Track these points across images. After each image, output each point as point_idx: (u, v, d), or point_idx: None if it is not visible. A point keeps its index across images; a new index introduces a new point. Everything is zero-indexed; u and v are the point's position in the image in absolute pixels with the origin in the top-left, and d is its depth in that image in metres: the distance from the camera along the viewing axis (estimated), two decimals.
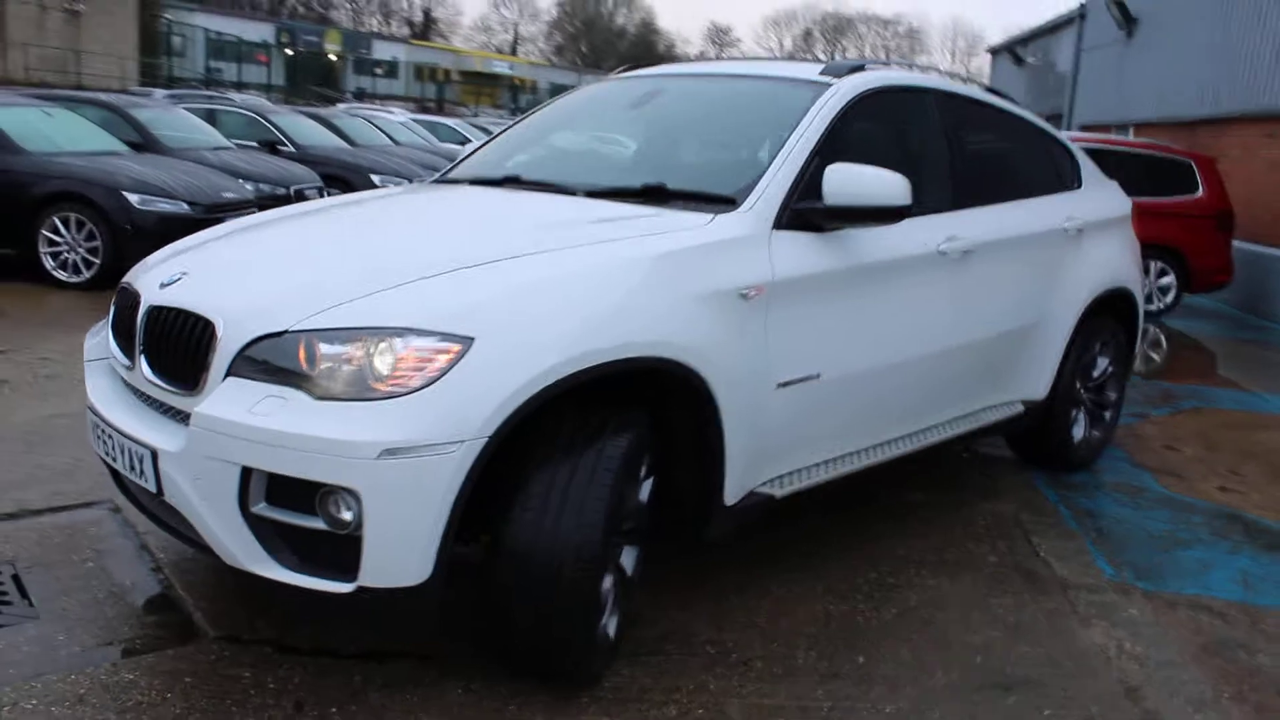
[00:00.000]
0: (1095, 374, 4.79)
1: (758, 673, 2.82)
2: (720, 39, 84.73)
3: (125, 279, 3.08)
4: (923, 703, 2.72)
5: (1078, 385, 4.64)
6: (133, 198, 7.52)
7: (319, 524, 2.36)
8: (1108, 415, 4.94)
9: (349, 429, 2.29)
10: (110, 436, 2.72)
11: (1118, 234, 4.82)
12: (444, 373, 2.34)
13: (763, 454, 3.10)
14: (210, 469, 2.42)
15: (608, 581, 2.67)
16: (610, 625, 2.74)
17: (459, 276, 2.56)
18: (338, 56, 52.91)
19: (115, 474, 2.85)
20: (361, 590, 2.35)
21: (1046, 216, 4.29)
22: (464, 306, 2.45)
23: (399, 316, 2.40)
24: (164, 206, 7.56)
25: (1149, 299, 10.29)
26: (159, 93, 23.40)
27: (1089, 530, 4.05)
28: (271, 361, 2.42)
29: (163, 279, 2.80)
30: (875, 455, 3.53)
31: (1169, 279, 10.20)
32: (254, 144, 12.04)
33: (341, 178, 11.62)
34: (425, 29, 75.92)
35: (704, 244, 2.91)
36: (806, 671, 2.84)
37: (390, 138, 15.52)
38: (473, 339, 2.38)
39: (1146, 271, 10.19)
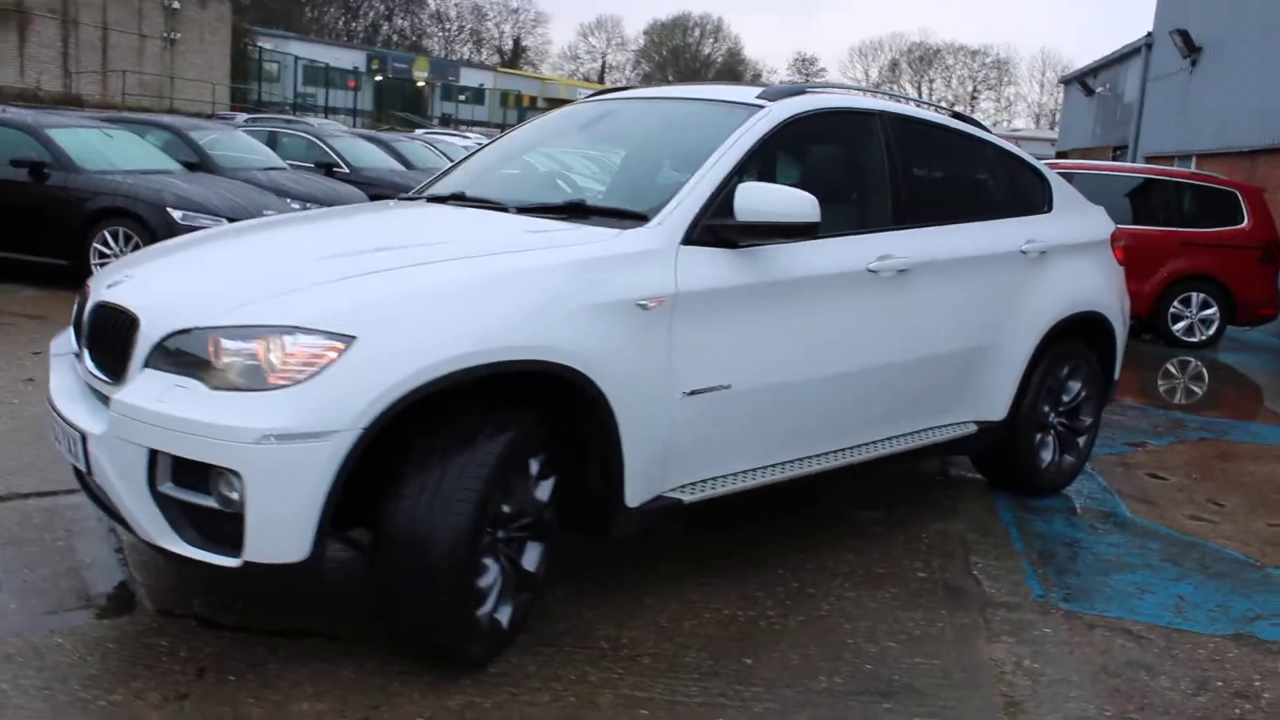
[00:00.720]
0: (1066, 398, 4.77)
1: (641, 668, 2.92)
2: (805, 69, 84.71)
3: (89, 280, 3.36)
4: (793, 703, 2.79)
5: (1044, 408, 4.63)
6: (176, 214, 7.99)
7: (213, 503, 2.57)
8: (1081, 441, 4.90)
9: (235, 416, 2.50)
10: (57, 423, 2.98)
11: (1091, 257, 4.80)
12: (325, 368, 2.53)
13: (671, 460, 3.22)
14: (125, 451, 2.65)
15: (492, 572, 2.83)
16: (502, 614, 2.88)
17: (356, 282, 2.76)
18: (425, 83, 54.52)
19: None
20: (248, 565, 2.55)
21: (1001, 239, 4.32)
22: (350, 308, 2.64)
23: (290, 316, 2.60)
24: (204, 221, 8.00)
25: (1189, 330, 10.06)
26: (240, 116, 24.54)
27: (1033, 552, 4.05)
28: (181, 354, 2.64)
29: (110, 280, 3.07)
30: (798, 469, 3.60)
31: (1211, 311, 9.95)
32: (310, 165, 12.58)
33: (389, 197, 12.03)
34: (514, 57, 77.81)
35: (603, 257, 3.06)
36: (689, 669, 2.93)
37: (449, 160, 16.02)
38: (355, 338, 2.57)
39: (1187, 303, 9.99)
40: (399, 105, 50.25)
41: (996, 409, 4.36)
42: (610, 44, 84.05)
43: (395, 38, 73.93)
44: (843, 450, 3.78)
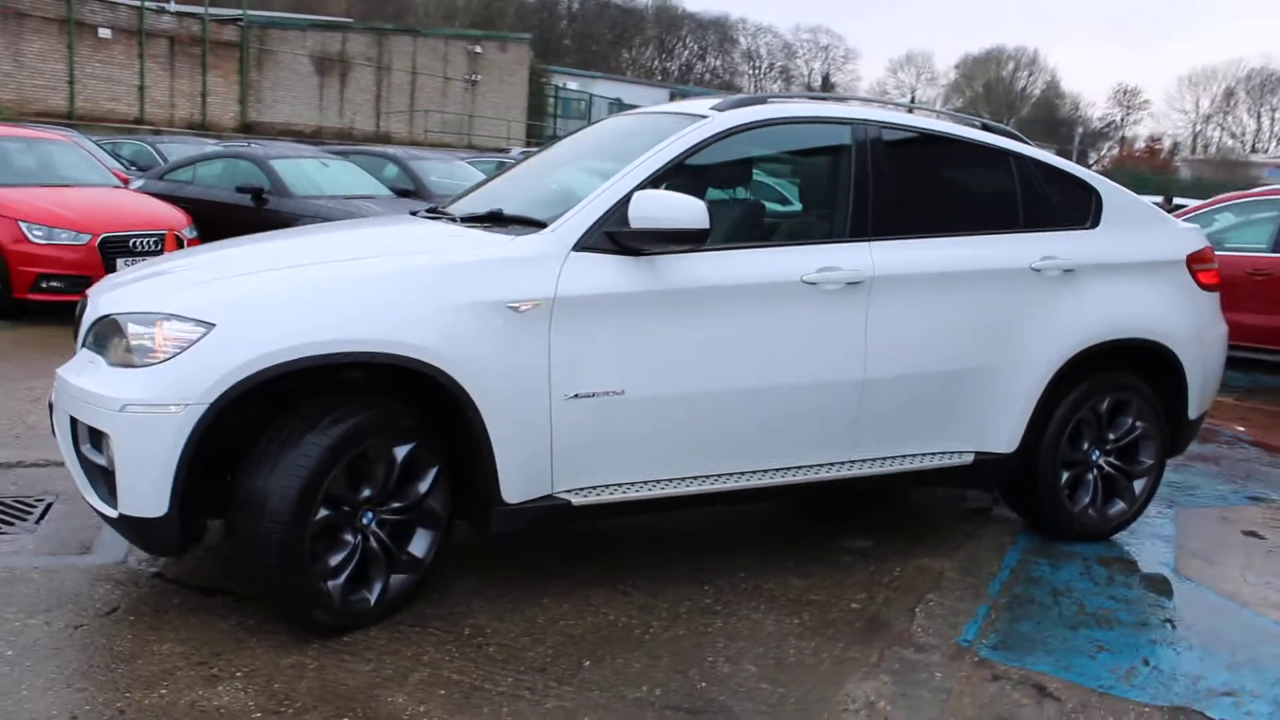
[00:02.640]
0: (1113, 435, 4.26)
1: (479, 656, 3.03)
2: (1128, 101, 78.07)
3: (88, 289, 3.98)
4: (588, 705, 2.78)
5: (1080, 444, 4.18)
6: None
7: (104, 461, 3.02)
8: (1138, 485, 4.35)
9: (111, 387, 2.93)
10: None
11: (1150, 278, 4.26)
12: (185, 350, 2.90)
13: (560, 461, 3.30)
14: (60, 416, 3.18)
15: (347, 549, 3.08)
16: (368, 591, 3.13)
17: (239, 280, 3.14)
18: None
19: None
20: (122, 517, 2.97)
21: (1005, 254, 3.96)
22: (219, 300, 3.00)
23: (170, 306, 3.00)
24: None
25: None
26: (516, 150, 26.64)
27: (1005, 596, 3.67)
28: (100, 336, 3.13)
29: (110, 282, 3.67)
30: (715, 484, 3.52)
31: None
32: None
33: None
34: (823, 95, 78.35)
35: (478, 260, 3.23)
36: (524, 662, 3.00)
37: None
38: (214, 324, 2.92)
39: None
40: None
41: (1000, 440, 4.00)
42: (920, 79, 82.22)
43: (708, 76, 77.10)
44: (776, 470, 3.65)
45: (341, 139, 28.91)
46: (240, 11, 30.11)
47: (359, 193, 10.05)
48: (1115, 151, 71.45)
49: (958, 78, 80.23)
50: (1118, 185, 4.46)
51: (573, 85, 48.69)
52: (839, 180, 3.79)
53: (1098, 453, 4.27)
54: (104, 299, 3.25)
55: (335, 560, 3.09)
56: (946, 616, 3.48)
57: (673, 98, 55.96)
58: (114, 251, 7.65)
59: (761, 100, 3.84)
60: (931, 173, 4.07)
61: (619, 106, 49.56)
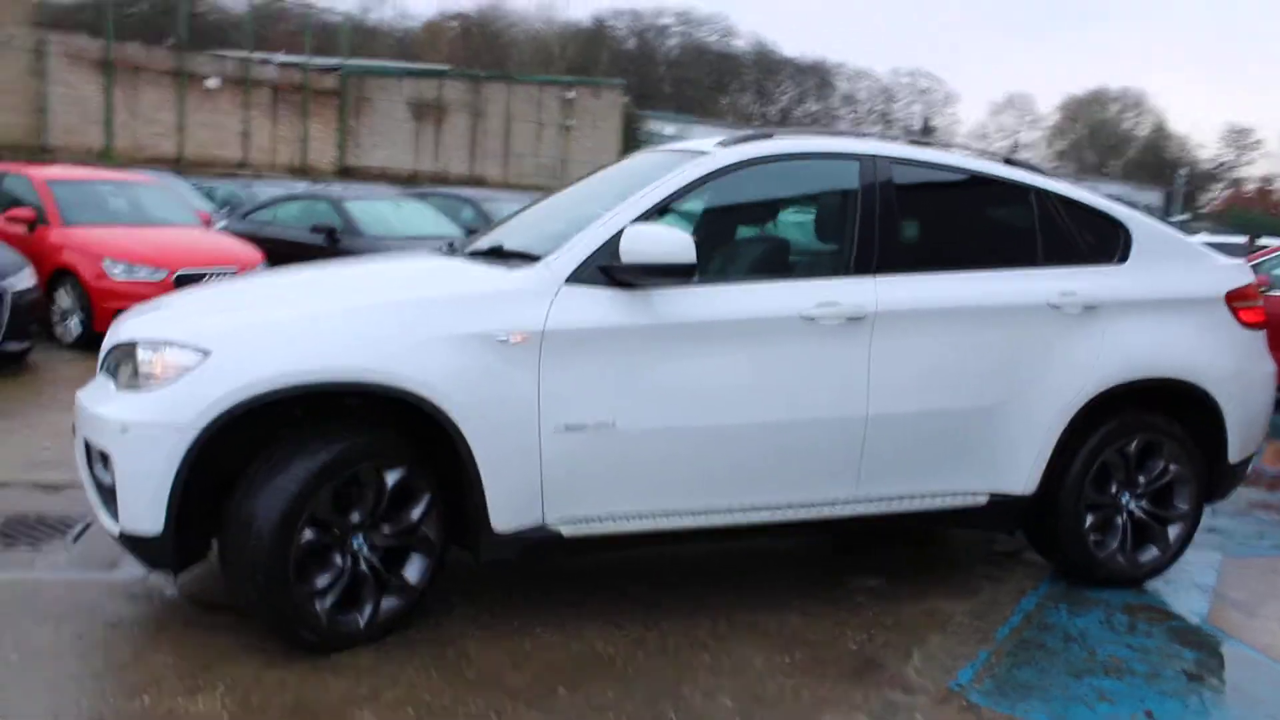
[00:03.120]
0: (1143, 479, 4.08)
1: (458, 679, 3.06)
2: (1240, 142, 75.06)
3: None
4: None
5: (1107, 488, 4.01)
6: None
7: (109, 480, 3.18)
8: (1173, 531, 4.15)
9: (114, 409, 3.10)
10: None
11: (1184, 316, 4.08)
12: (182, 375, 3.05)
13: (551, 491, 3.33)
14: (78, 439, 3.37)
15: (334, 571, 3.15)
16: (359, 614, 3.20)
17: (239, 312, 3.30)
18: None
19: None
20: (123, 534, 3.11)
21: (1021, 290, 3.85)
22: (217, 329, 3.15)
23: (173, 333, 3.16)
24: None
25: None
26: None
27: (1012, 641, 3.53)
28: (112, 361, 3.31)
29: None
30: (710, 519, 3.50)
31: None
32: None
33: None
34: (923, 137, 78.12)
35: (470, 293, 3.32)
36: (499, 688, 3.02)
37: None
38: (210, 352, 3.06)
39: None
40: None
41: (1017, 481, 3.87)
42: (1023, 121, 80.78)
43: (806, 120, 77.52)
44: (777, 507, 3.60)
45: (436, 182, 29.82)
46: (340, 61, 31.56)
47: (429, 232, 10.36)
48: (1226, 193, 68.54)
49: (1060, 120, 78.52)
50: (1153, 220, 4.31)
51: (669, 130, 49.35)
52: (845, 215, 3.76)
53: (1128, 496, 4.09)
54: (123, 326, 3.44)
55: (322, 582, 3.16)
56: (944, 660, 3.37)
57: None
58: (189, 286, 8.04)
59: (767, 136, 3.85)
60: (945, 207, 4.01)
61: None
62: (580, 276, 3.37)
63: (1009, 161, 4.20)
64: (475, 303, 3.30)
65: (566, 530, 3.38)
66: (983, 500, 3.85)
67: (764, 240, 4.07)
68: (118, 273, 7.84)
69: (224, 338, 3.11)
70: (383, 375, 3.11)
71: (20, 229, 8.22)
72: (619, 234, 3.38)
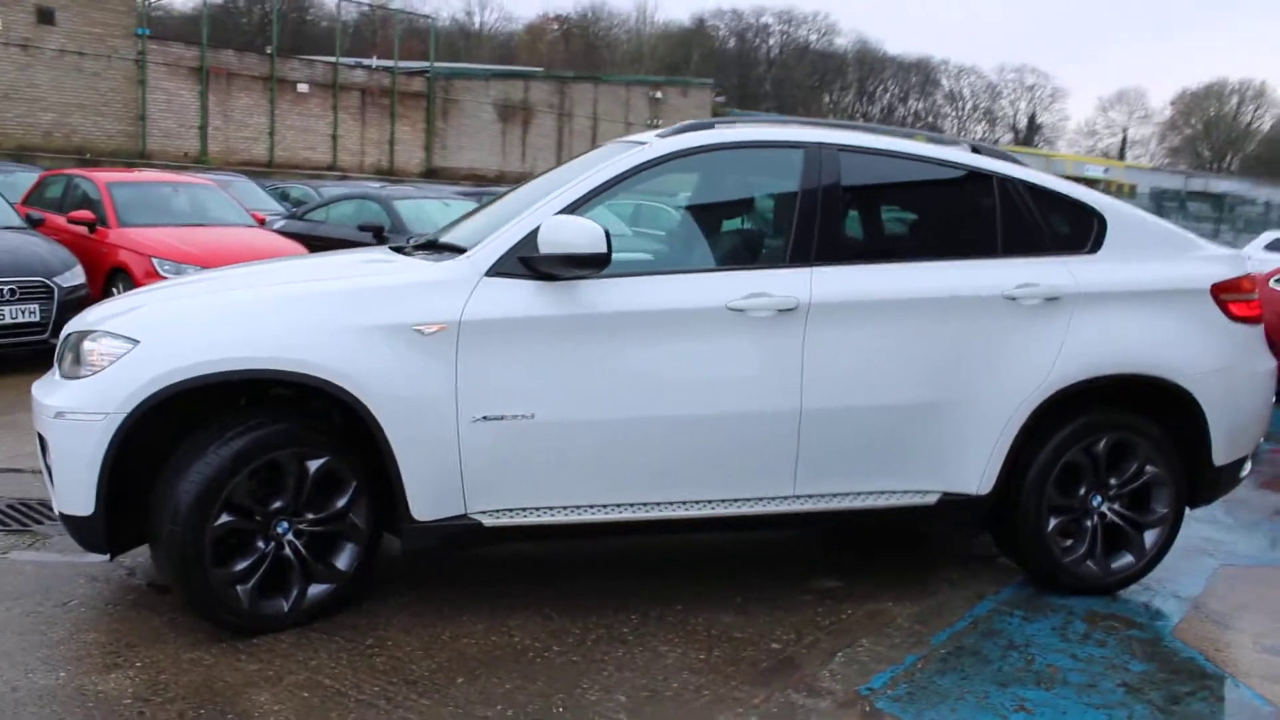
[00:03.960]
0: (1115, 480, 3.88)
1: (364, 665, 3.12)
2: None
3: None
4: (419, 713, 2.82)
5: (1072, 489, 3.83)
6: None
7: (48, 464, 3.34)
8: (1149, 536, 3.93)
9: (52, 397, 3.25)
10: None
11: (1162, 308, 3.86)
12: (112, 364, 3.19)
13: (471, 482, 3.36)
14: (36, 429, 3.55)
15: (254, 556, 3.25)
16: (283, 598, 3.30)
17: (169, 303, 3.42)
18: None
19: None
20: (61, 515, 3.27)
21: (973, 281, 3.70)
22: (147, 319, 3.28)
23: (109, 324, 3.31)
24: None
25: None
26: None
27: (949, 646, 3.40)
28: (61, 352, 3.48)
29: None
30: (638, 513, 3.47)
31: None
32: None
33: None
34: (1029, 134, 76.13)
35: (390, 285, 3.37)
36: (401, 675, 3.06)
37: None
38: (139, 341, 3.19)
39: None
40: None
41: (969, 480, 3.72)
42: (1132, 117, 77.54)
43: (909, 119, 76.32)
44: (710, 502, 3.55)
45: (523, 183, 30.23)
46: (428, 64, 32.35)
47: None
48: None
49: (1174, 114, 75.00)
50: (1134, 209, 4.10)
51: None
52: (784, 205, 3.69)
53: (1099, 499, 3.90)
54: (78, 319, 3.61)
55: (242, 565, 3.26)
56: (867, 663, 3.27)
57: None
58: None
59: (709, 126, 3.80)
60: (896, 196, 3.90)
61: None
62: (502, 269, 3.39)
63: (976, 150, 4.05)
64: (393, 294, 3.35)
65: (487, 521, 3.40)
66: (932, 499, 3.72)
67: (699, 231, 4.02)
68: (166, 271, 8.21)
69: (151, 328, 3.24)
70: (296, 364, 3.19)
71: (82, 230, 8.68)
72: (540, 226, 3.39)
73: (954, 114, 79.60)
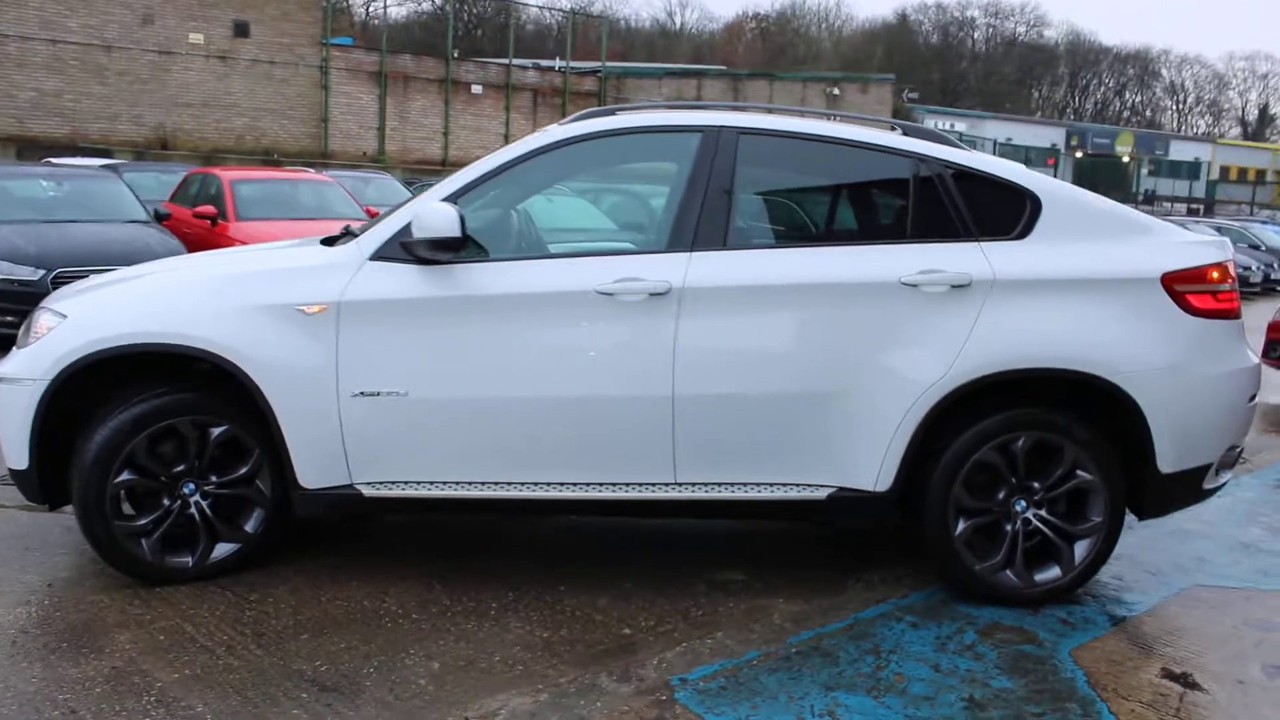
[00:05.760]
0: (1039, 483, 3.60)
1: (228, 617, 3.37)
2: None
3: None
4: (252, 666, 3.04)
5: (988, 492, 3.59)
6: None
7: None
8: (1079, 547, 3.63)
9: (3, 364, 3.70)
10: None
11: (1093, 298, 3.55)
12: (45, 335, 3.59)
13: (354, 454, 3.55)
14: None
15: (158, 513, 3.57)
16: (189, 553, 3.62)
17: (113, 284, 3.80)
18: (1129, 158, 52.07)
19: None
20: (9, 470, 3.72)
21: (871, 266, 3.52)
22: (80, 299, 3.68)
23: (53, 301, 3.73)
24: None
25: None
26: None
27: (802, 646, 3.27)
28: (25, 325, 3.93)
29: None
30: (517, 492, 3.55)
31: None
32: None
33: None
34: (1260, 127, 69.89)
35: (281, 268, 3.62)
36: (254, 628, 3.29)
37: None
38: (66, 316, 3.59)
39: None
40: (1106, 182, 48.64)
41: (864, 475, 3.56)
42: None
43: (1125, 113, 71.70)
44: (588, 485, 3.57)
45: None
46: (599, 64, 33.09)
47: (572, 226, 10.78)
48: None
49: None
50: (1080, 192, 3.79)
51: (960, 126, 47.21)
52: (675, 189, 3.66)
53: (1024, 503, 3.63)
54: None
55: (145, 520, 3.59)
56: (703, 655, 3.20)
57: (1070, 137, 52.28)
58: None
59: (610, 113, 3.82)
60: (798, 180, 3.78)
61: (1029, 150, 47.11)
62: (385, 253, 3.56)
63: (906, 131, 3.85)
64: (283, 276, 3.60)
65: (367, 491, 3.58)
66: (823, 495, 3.59)
67: (593, 217, 4.03)
68: None
69: (77, 306, 3.64)
70: (190, 339, 3.48)
71: (205, 224, 9.58)
72: None
73: (1174, 107, 73.71)
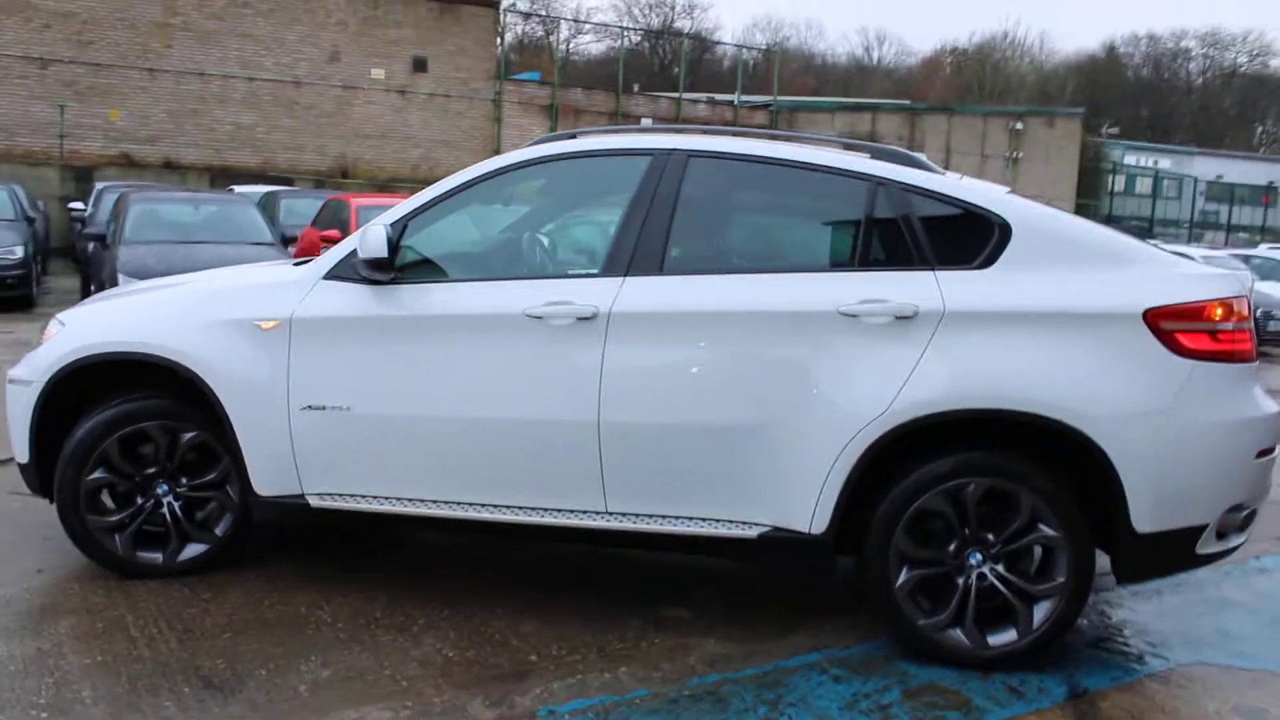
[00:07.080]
0: (994, 536, 3.29)
1: (171, 614, 3.54)
2: None
3: None
4: (161, 660, 3.19)
5: (946, 542, 3.31)
6: None
7: None
8: (1039, 609, 3.28)
9: (13, 366, 4.09)
10: None
11: (1061, 334, 3.23)
12: (47, 343, 3.95)
13: (304, 464, 3.69)
14: None
15: (130, 510, 3.82)
16: (161, 550, 3.85)
17: (114, 298, 4.12)
18: None
19: None
20: (13, 461, 4.09)
21: (808, 295, 3.33)
22: (80, 311, 4.03)
23: (62, 313, 4.09)
24: None
25: None
26: None
27: (695, 690, 3.11)
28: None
29: None
30: (452, 511, 3.57)
31: None
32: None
33: None
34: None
35: (244, 286, 3.85)
36: (190, 625, 3.46)
37: None
38: (65, 325, 3.94)
39: None
40: None
41: (796, 516, 3.36)
42: None
43: None
44: (519, 508, 3.55)
45: None
46: (771, 98, 32.96)
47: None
48: None
49: None
50: (1061, 218, 3.47)
51: (1164, 163, 44.22)
52: (616, 214, 3.61)
53: (979, 557, 3.32)
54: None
55: (118, 516, 3.85)
56: (590, 689, 3.10)
57: None
58: None
59: (570, 136, 3.81)
60: (745, 204, 3.64)
61: (1237, 188, 43.43)
62: (338, 273, 3.70)
63: (875, 154, 3.63)
64: (247, 293, 3.81)
65: (314, 502, 3.71)
66: (754, 533, 3.41)
67: (526, 240, 4.00)
68: None
69: (75, 317, 3.99)
70: (161, 349, 3.72)
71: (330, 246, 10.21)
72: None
73: None
